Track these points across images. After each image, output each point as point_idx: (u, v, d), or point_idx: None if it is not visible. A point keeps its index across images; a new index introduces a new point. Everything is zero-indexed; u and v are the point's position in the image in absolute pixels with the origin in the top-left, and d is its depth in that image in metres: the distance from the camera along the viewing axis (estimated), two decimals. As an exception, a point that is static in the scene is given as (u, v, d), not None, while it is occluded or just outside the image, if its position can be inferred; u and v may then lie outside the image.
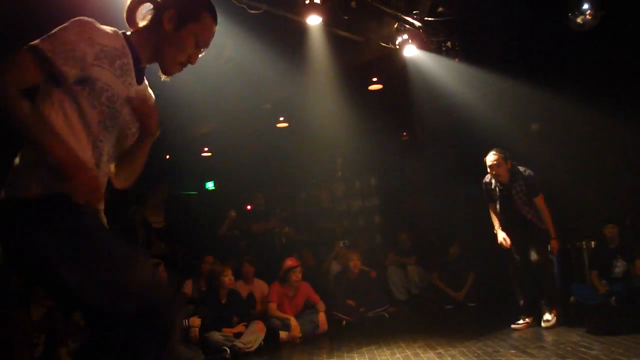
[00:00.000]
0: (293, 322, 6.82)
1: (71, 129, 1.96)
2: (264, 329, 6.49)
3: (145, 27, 2.22)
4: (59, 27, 1.96)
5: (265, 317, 6.87)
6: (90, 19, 2.01)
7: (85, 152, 1.99)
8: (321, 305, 7.26)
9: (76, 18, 1.98)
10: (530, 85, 7.79)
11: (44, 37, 1.94)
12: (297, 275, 7.19)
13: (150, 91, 2.36)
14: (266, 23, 6.92)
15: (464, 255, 8.80)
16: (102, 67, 1.99)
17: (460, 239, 8.97)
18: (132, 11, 2.23)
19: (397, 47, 7.58)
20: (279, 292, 7.12)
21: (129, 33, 2.20)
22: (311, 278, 7.99)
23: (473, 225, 9.19)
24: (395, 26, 7.51)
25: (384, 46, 7.74)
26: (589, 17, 6.72)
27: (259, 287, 7.77)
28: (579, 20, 6.64)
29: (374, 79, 9.21)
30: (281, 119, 11.11)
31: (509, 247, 6.23)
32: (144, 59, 2.22)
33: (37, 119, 1.92)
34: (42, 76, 1.95)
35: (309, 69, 8.10)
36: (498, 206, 6.37)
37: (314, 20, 6.67)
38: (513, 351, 4.94)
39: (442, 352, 5.19)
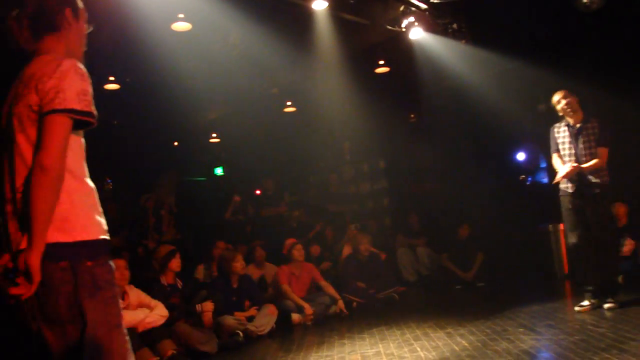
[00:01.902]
0: (307, 307, 6.92)
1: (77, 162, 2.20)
2: (276, 312, 6.57)
3: None
4: (63, 78, 2.08)
5: (277, 300, 6.96)
6: (76, 62, 2.16)
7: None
8: (324, 282, 7.34)
9: (73, 65, 2.12)
10: (537, 66, 7.79)
11: (67, 96, 2.05)
12: (299, 251, 7.30)
13: None
14: (272, 8, 6.95)
15: (473, 236, 8.85)
16: None
17: (469, 220, 9.02)
18: None
19: (404, 29, 7.58)
20: (286, 273, 7.22)
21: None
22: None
23: (481, 205, 9.25)
24: (402, 9, 7.51)
25: (390, 29, 7.74)
26: (595, -3, 6.69)
27: (270, 270, 7.87)
28: (585, 0, 6.61)
29: (381, 62, 9.21)
30: (288, 103, 11.14)
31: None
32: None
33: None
34: None
35: (315, 53, 8.12)
36: (566, 151, 5.78)
37: (320, 5, 6.69)
38: (521, 329, 5.00)
39: (452, 332, 5.26)
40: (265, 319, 6.39)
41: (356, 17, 7.45)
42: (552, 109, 5.91)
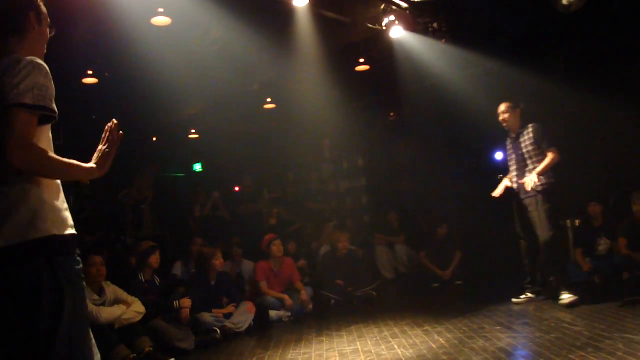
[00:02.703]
0: (286, 298, 6.95)
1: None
2: (254, 309, 6.56)
3: None
4: (23, 72, 2.12)
5: (254, 297, 6.95)
6: (40, 61, 2.20)
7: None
8: (300, 285, 7.33)
9: (32, 61, 2.16)
10: (517, 66, 7.84)
11: (25, 90, 2.09)
12: (278, 247, 7.30)
13: None
14: (253, 4, 6.91)
15: (451, 234, 8.90)
16: None
17: (447, 218, 9.06)
18: None
19: (384, 28, 7.58)
20: (264, 270, 7.20)
21: None
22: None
23: (459, 204, 9.31)
24: (382, 7, 7.51)
25: (371, 27, 7.74)
26: (575, -1, 6.75)
27: (247, 268, 7.87)
28: (564, 1, 6.67)
29: (361, 60, 9.21)
30: (268, 100, 11.10)
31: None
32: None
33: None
34: None
35: (296, 50, 8.09)
36: (511, 161, 6.42)
37: (301, 2, 6.67)
38: (498, 327, 5.04)
39: (429, 329, 5.29)
40: (243, 316, 6.38)
41: (337, 15, 7.45)
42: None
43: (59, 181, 2.25)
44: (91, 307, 4.91)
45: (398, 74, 9.09)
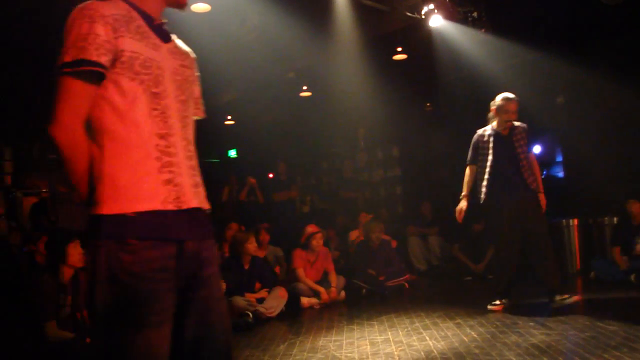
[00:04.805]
0: (323, 292, 6.99)
1: (121, 118, 1.81)
2: (286, 295, 6.61)
3: None
4: (67, 29, 1.78)
5: (287, 283, 7.00)
6: (87, 2, 1.82)
7: (149, 141, 1.83)
8: (334, 277, 7.33)
9: (75, 9, 1.80)
10: (557, 58, 7.71)
11: (66, 49, 1.76)
12: (318, 241, 7.29)
13: (187, 47, 2.15)
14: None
15: (486, 228, 8.79)
16: (124, 37, 1.81)
17: (483, 214, 8.94)
18: None
19: (423, 17, 7.52)
20: (302, 258, 7.23)
21: None
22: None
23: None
24: (422, -4, 7.45)
25: (410, 16, 7.69)
26: (619, -9, 6.61)
27: (273, 253, 7.95)
28: (609, -7, 6.53)
29: (399, 49, 9.15)
30: (304, 87, 11.11)
31: (461, 220, 5.99)
32: (153, 13, 1.98)
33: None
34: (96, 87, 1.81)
35: (333, 38, 8.09)
36: (490, 160, 5.71)
37: (340, -10, 6.65)
38: (532, 324, 4.98)
39: (461, 322, 5.26)
40: (275, 301, 6.43)
41: (375, 3, 7.41)
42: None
43: (149, 145, 1.83)
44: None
45: (435, 64, 9.03)
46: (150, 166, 1.81)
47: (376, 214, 9.72)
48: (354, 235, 9.13)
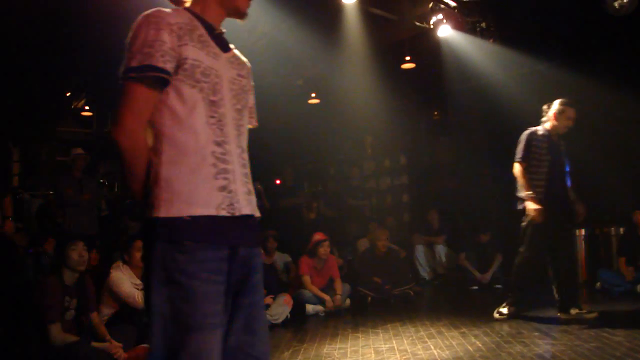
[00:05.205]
0: (328, 299, 7.00)
1: (180, 124, 1.85)
2: (291, 302, 6.62)
3: None
4: (133, 34, 1.83)
5: (292, 290, 7.01)
6: (153, 9, 1.87)
7: (206, 148, 1.87)
8: (339, 284, 7.32)
9: (141, 16, 1.86)
10: (565, 68, 7.72)
11: (132, 54, 1.81)
12: (325, 249, 7.29)
13: (244, 58, 2.20)
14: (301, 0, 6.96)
15: (492, 238, 8.79)
16: (187, 45, 1.86)
17: (488, 221, 8.95)
18: None
19: (432, 26, 7.56)
20: (309, 265, 7.24)
21: (185, 6, 2.06)
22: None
23: (502, 206, 9.18)
24: (430, 5, 7.49)
25: (418, 25, 7.73)
26: (626, 2, 6.62)
27: (279, 260, 7.96)
28: (616, 4, 6.54)
29: (407, 58, 9.18)
30: (313, 95, 11.15)
31: (540, 220, 5.46)
32: (214, 23, 2.03)
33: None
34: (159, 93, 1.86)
35: (342, 46, 8.12)
36: (546, 166, 5.58)
37: (349, -2, 6.69)
38: (537, 333, 4.98)
39: (466, 332, 5.25)
40: (280, 308, 6.44)
41: (385, 12, 7.44)
42: (577, 112, 5.80)
43: (206, 151, 1.86)
44: (132, 290, 5.02)
45: (444, 73, 9.05)
46: (207, 172, 1.84)
47: (382, 221, 9.74)
48: (362, 243, 9.13)
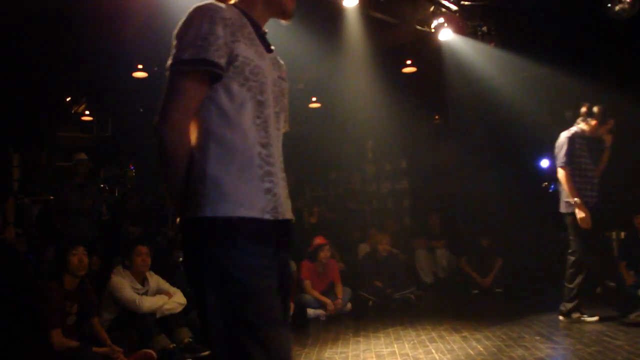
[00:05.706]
0: (329, 303, 6.98)
1: (228, 122, 1.80)
2: (292, 307, 6.60)
3: None
4: (185, 26, 1.79)
5: (293, 294, 7.00)
6: (206, 2, 1.82)
7: (253, 148, 1.82)
8: (340, 289, 7.31)
9: (194, 8, 1.80)
10: (566, 72, 7.71)
11: (183, 46, 1.76)
12: (325, 253, 7.29)
13: (281, 60, 2.14)
14: (302, 3, 6.95)
15: (493, 242, 8.78)
16: (239, 42, 1.81)
17: (489, 225, 8.94)
18: None
19: (433, 30, 7.56)
20: (309, 269, 7.23)
21: (232, 2, 2.00)
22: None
23: (503, 210, 9.19)
24: (432, 9, 7.50)
25: (420, 29, 7.72)
26: (627, 6, 6.62)
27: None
28: (617, 8, 6.54)
29: (408, 62, 9.20)
30: (314, 99, 11.16)
31: (589, 227, 5.37)
32: (261, 22, 2.00)
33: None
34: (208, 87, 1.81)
35: (343, 50, 8.12)
36: (590, 166, 5.58)
37: (350, 2, 6.68)
38: (538, 337, 4.98)
39: (467, 336, 5.25)
40: (281, 312, 6.42)
41: (386, 16, 7.43)
42: (577, 117, 5.80)
43: (253, 152, 1.82)
44: (133, 295, 5.02)
45: (445, 77, 9.05)
46: (253, 173, 1.79)
47: (383, 225, 9.72)
48: (363, 248, 9.11)
